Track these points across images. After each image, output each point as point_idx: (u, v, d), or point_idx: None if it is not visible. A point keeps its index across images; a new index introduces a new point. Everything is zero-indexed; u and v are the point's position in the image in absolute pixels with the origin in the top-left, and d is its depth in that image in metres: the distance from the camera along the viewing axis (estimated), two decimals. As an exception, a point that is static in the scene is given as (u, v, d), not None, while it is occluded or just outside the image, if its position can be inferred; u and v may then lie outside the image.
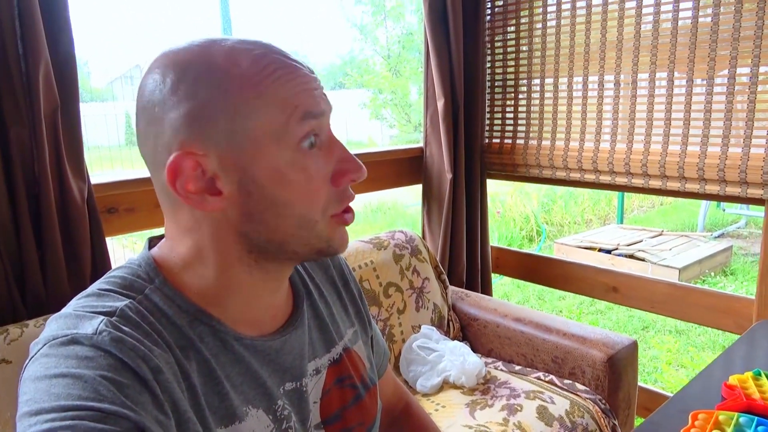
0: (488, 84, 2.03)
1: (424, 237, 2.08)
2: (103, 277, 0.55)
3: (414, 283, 1.67)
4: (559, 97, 1.84)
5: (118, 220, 1.37)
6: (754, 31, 1.42)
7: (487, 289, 2.13)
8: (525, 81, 1.93)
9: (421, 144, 2.06)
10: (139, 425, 0.44)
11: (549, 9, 1.82)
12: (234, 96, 0.51)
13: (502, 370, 1.58)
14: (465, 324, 1.75)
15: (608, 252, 4.17)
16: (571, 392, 1.44)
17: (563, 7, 1.78)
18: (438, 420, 1.33)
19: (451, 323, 1.73)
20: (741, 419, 0.80)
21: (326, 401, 0.65)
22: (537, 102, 1.91)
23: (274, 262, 0.58)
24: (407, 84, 7.48)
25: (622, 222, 5.42)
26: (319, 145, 0.56)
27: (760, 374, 0.92)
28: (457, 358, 1.51)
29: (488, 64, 2.01)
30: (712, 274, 4.07)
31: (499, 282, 4.02)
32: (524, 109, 1.95)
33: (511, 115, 1.99)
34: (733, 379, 0.91)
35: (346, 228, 0.60)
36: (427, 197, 2.07)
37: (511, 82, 1.97)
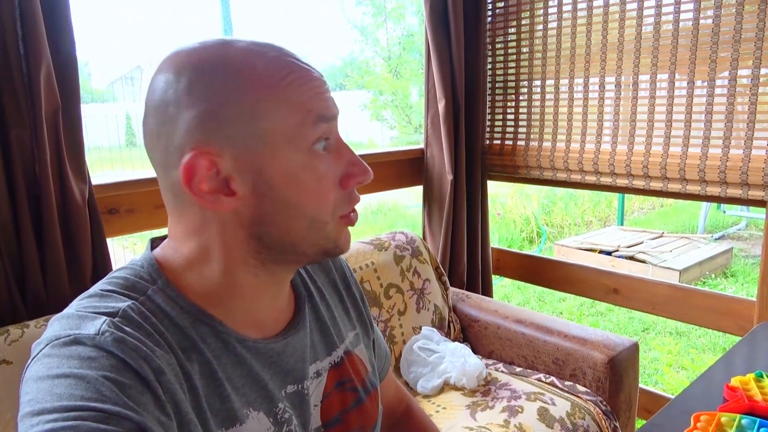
0: (489, 85, 2.03)
1: (424, 238, 2.08)
2: (105, 278, 0.55)
3: (415, 284, 1.67)
4: (560, 99, 1.84)
5: (119, 221, 1.37)
6: (755, 33, 1.42)
7: (487, 291, 2.13)
8: (526, 82, 1.93)
9: (421, 145, 2.07)
10: (141, 426, 0.44)
11: (550, 11, 1.82)
12: (250, 98, 0.51)
13: (502, 371, 1.58)
14: (466, 325, 1.75)
15: (609, 254, 4.17)
16: (572, 394, 1.44)
17: (564, 8, 1.78)
18: (439, 421, 1.33)
19: (451, 324, 1.73)
20: (743, 421, 0.79)
21: (327, 404, 0.65)
22: (538, 103, 1.91)
23: (280, 264, 0.59)
24: (408, 85, 7.49)
25: (622, 224, 5.41)
26: (329, 148, 0.57)
27: (762, 376, 0.92)
28: (458, 360, 1.51)
29: (489, 66, 2.01)
30: (713, 275, 4.07)
31: (500, 283, 4.02)
32: (525, 110, 1.95)
33: (511, 117, 1.99)
34: (735, 381, 0.91)
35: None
36: (428, 198, 2.07)
37: (512, 84, 1.97)
